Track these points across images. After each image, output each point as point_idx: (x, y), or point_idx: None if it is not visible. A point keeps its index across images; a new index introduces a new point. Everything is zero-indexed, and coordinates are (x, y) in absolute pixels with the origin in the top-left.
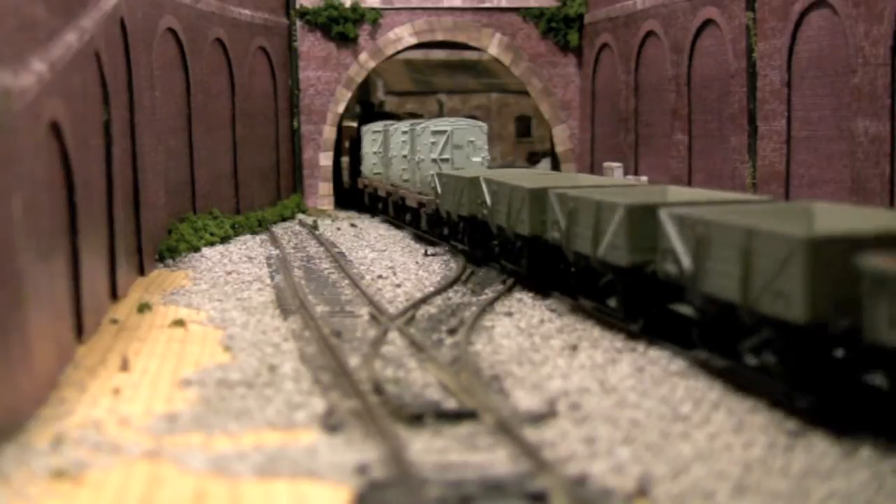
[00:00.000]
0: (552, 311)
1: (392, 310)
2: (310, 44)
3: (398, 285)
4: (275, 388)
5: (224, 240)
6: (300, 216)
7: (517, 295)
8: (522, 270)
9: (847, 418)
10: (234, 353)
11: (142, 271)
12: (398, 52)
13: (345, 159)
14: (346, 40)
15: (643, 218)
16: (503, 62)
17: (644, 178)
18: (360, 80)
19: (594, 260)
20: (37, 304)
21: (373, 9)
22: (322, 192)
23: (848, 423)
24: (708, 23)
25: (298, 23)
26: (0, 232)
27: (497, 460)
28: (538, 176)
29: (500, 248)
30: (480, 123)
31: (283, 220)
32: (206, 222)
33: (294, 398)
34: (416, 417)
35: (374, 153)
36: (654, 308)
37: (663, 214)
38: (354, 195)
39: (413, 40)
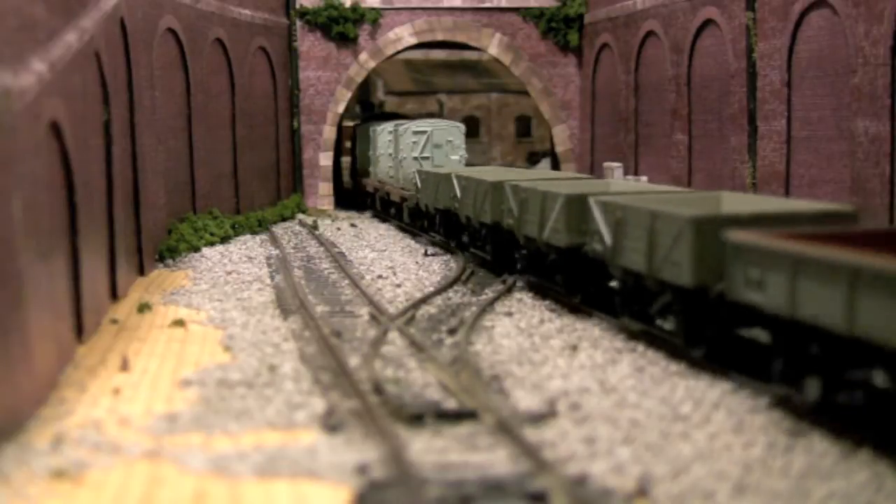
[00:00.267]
0: (552, 311)
1: (392, 310)
2: (310, 44)
3: (398, 285)
4: (275, 388)
5: (224, 240)
6: (300, 216)
7: (517, 295)
8: (487, 255)
9: (729, 365)
10: (234, 353)
11: (142, 271)
12: (398, 52)
13: (345, 159)
14: (346, 40)
15: (579, 205)
16: (503, 62)
17: (644, 178)
18: (360, 80)
19: (540, 242)
20: (37, 304)
21: (373, 9)
22: (322, 192)
23: (728, 368)
24: (708, 23)
25: (298, 23)
26: (0, 232)
27: (497, 460)
28: (501, 171)
29: (469, 237)
30: (458, 124)
31: (283, 220)
32: (206, 222)
33: (294, 398)
34: (416, 417)
35: (362, 152)
36: (590, 282)
37: (591, 201)
38: (355, 195)
39: (413, 40)
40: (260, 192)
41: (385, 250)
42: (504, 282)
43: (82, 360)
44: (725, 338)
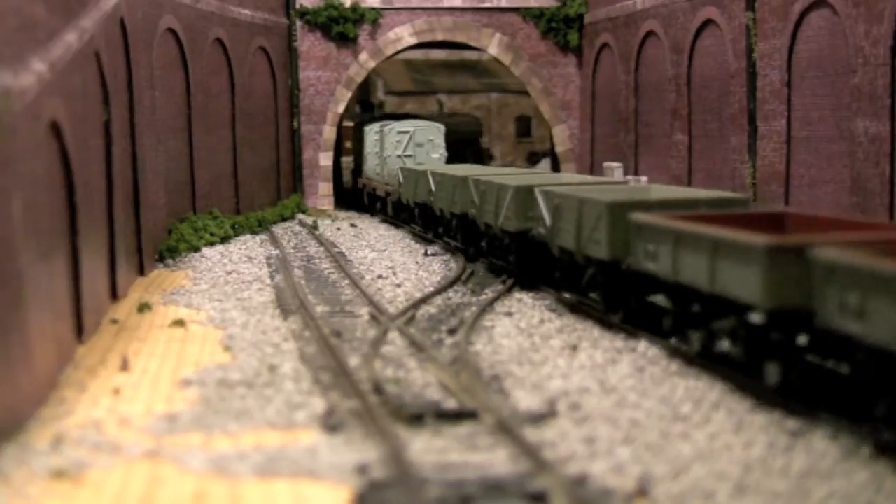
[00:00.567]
0: (552, 311)
1: (392, 310)
2: (310, 44)
3: (398, 285)
4: (275, 388)
5: (224, 240)
6: (300, 216)
7: (517, 295)
8: (458, 244)
9: (640, 327)
10: (234, 353)
11: (142, 271)
12: (398, 52)
13: (345, 159)
14: (346, 40)
15: (526, 195)
16: (503, 62)
17: (644, 178)
18: (360, 80)
19: (496, 228)
20: (37, 304)
21: (373, 9)
22: (322, 192)
23: (637, 329)
24: (708, 23)
25: (298, 23)
26: (0, 232)
27: (497, 460)
28: (471, 168)
29: (444, 227)
30: (438, 125)
31: (283, 220)
32: (206, 222)
33: (294, 398)
34: (416, 417)
35: (357, 151)
36: (537, 262)
37: (536, 191)
38: (355, 195)
39: (413, 40)
40: (260, 192)
41: (385, 250)
42: (504, 282)
43: (82, 360)
44: (638, 304)
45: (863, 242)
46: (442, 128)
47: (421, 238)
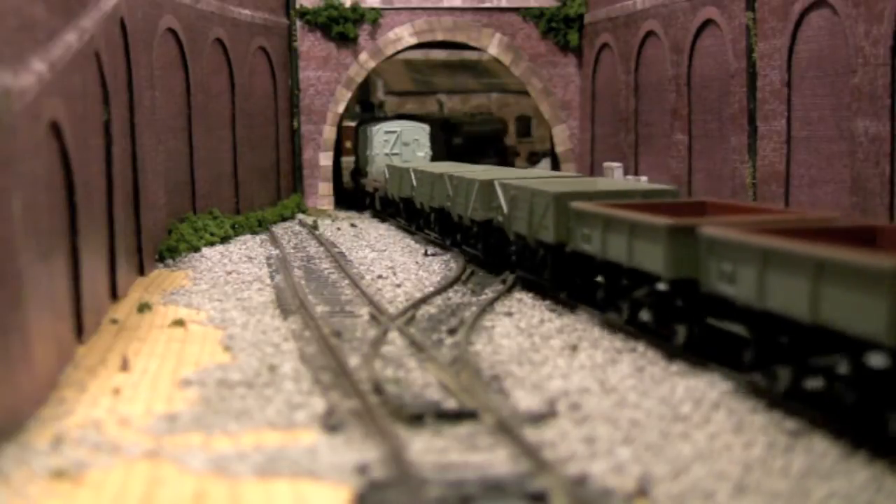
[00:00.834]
0: (552, 311)
1: (392, 310)
2: (310, 44)
3: (398, 285)
4: (275, 388)
5: (224, 240)
6: (300, 216)
7: (517, 295)
8: (436, 234)
9: (581, 302)
10: (234, 353)
11: (142, 271)
12: (398, 52)
13: (345, 159)
14: (346, 40)
15: (489, 188)
16: (503, 62)
17: (644, 178)
18: (360, 80)
19: (466, 218)
20: (37, 304)
21: (373, 9)
22: (322, 192)
23: (579, 303)
24: (708, 23)
25: (298, 23)
26: (0, 232)
27: (497, 460)
28: (449, 165)
29: (424, 220)
30: (424, 125)
31: (283, 220)
32: (206, 222)
33: (294, 398)
34: (416, 417)
35: (353, 150)
36: (499, 247)
37: (495, 183)
38: (355, 195)
39: (413, 40)
40: (260, 192)
41: (385, 250)
42: (504, 282)
43: (82, 360)
44: (582, 281)
45: (739, 223)
46: (427, 128)
47: (406, 231)
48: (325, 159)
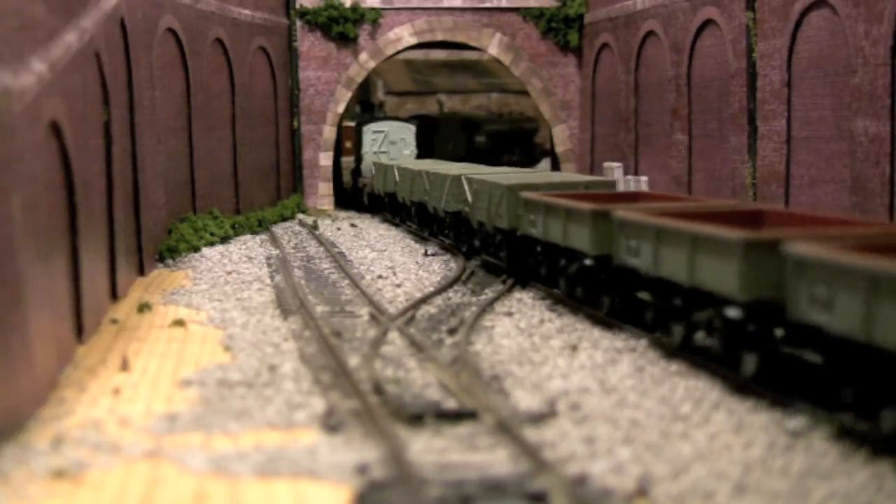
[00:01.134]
0: (552, 311)
1: (392, 310)
2: (310, 44)
3: (398, 285)
4: (275, 388)
5: (224, 240)
6: (300, 216)
7: (517, 295)
8: (415, 226)
9: (533, 279)
10: (234, 353)
11: (142, 271)
12: (398, 52)
13: (345, 159)
14: (346, 40)
15: (459, 183)
16: (503, 62)
17: (644, 178)
18: (360, 80)
19: (440, 210)
20: (37, 304)
21: (373, 9)
22: (322, 192)
23: (528, 283)
24: (708, 23)
25: (298, 23)
26: (0, 232)
27: (497, 460)
28: (429, 163)
29: (405, 213)
30: (410, 125)
31: (283, 220)
32: (206, 222)
33: (294, 398)
34: (416, 417)
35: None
36: (469, 235)
37: (462, 178)
38: (355, 195)
39: (413, 40)
40: (260, 192)
41: (385, 250)
42: (504, 282)
43: (82, 360)
44: (532, 261)
45: (645, 208)
46: (413, 128)
47: (392, 224)
48: (325, 159)
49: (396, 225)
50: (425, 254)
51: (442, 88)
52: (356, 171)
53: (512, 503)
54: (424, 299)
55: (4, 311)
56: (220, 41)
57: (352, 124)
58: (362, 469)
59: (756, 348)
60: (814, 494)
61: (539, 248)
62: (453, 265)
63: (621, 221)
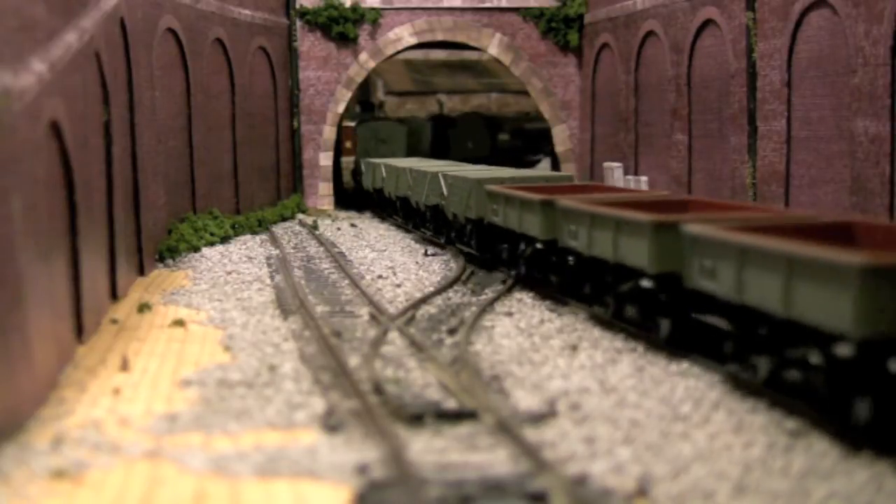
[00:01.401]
0: (552, 311)
1: (392, 310)
2: (310, 44)
3: (398, 285)
4: (275, 388)
5: (224, 240)
6: (300, 216)
7: (517, 295)
8: (400, 218)
9: (500, 264)
10: (234, 353)
11: (142, 271)
12: (398, 52)
13: (345, 159)
14: (346, 40)
15: (437, 178)
16: (503, 62)
17: (644, 178)
18: (360, 80)
19: (421, 205)
20: (37, 304)
21: (373, 9)
22: (322, 192)
23: (492, 264)
24: (708, 23)
25: (298, 23)
26: (0, 232)
27: (497, 460)
28: (414, 161)
29: (391, 208)
30: (401, 126)
31: (283, 220)
32: (206, 222)
33: (294, 398)
34: (416, 417)
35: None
36: (447, 226)
37: (439, 175)
38: (355, 195)
39: (413, 40)
40: (260, 192)
41: (385, 250)
42: (504, 282)
43: (82, 360)
44: (498, 247)
45: (585, 197)
46: (403, 128)
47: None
48: (325, 159)
49: (383, 219)
50: (425, 254)
51: (442, 88)
52: (356, 171)
53: (512, 503)
54: (424, 299)
55: (4, 311)
56: (220, 41)
57: (351, 124)
58: (362, 469)
59: (668, 314)
60: (814, 494)
61: (501, 236)
62: (453, 265)
63: (563, 209)
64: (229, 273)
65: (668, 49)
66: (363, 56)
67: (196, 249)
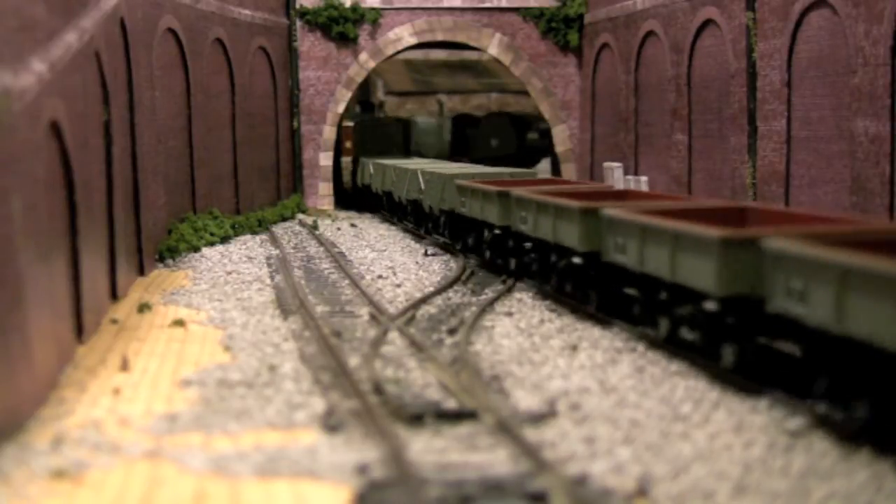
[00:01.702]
0: (552, 311)
1: (392, 310)
2: (310, 44)
3: (398, 285)
4: (275, 388)
5: (224, 240)
6: (300, 216)
7: (517, 295)
8: (387, 213)
9: (470, 251)
10: (234, 353)
11: (142, 271)
12: (398, 52)
13: (345, 159)
14: (346, 40)
15: (416, 175)
16: (503, 62)
17: (644, 178)
18: (360, 80)
19: (404, 199)
20: (37, 304)
21: (373, 9)
22: (322, 192)
23: (468, 254)
24: (708, 23)
25: (298, 23)
26: (0, 232)
27: (497, 460)
28: (400, 159)
29: (378, 204)
30: (396, 125)
31: (283, 220)
32: (206, 222)
33: (294, 398)
34: (416, 417)
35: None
36: (427, 219)
37: (418, 171)
38: (355, 195)
39: (413, 40)
40: (260, 192)
41: (385, 250)
42: (504, 282)
43: (82, 360)
44: (468, 237)
45: (547, 190)
46: (399, 126)
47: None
48: (325, 159)
49: (372, 213)
50: (425, 254)
51: (442, 88)
52: (355, 171)
53: (512, 503)
54: (424, 299)
55: (4, 311)
56: (220, 41)
57: (351, 124)
58: (362, 469)
59: (595, 287)
60: (814, 494)
61: (469, 225)
62: (453, 265)
63: (517, 199)
64: (229, 273)
65: (668, 49)
66: (363, 56)
67: (196, 249)
